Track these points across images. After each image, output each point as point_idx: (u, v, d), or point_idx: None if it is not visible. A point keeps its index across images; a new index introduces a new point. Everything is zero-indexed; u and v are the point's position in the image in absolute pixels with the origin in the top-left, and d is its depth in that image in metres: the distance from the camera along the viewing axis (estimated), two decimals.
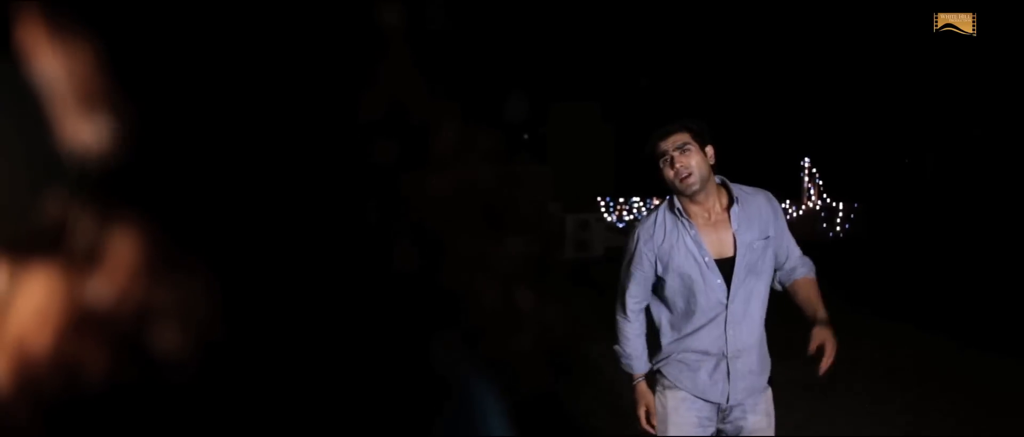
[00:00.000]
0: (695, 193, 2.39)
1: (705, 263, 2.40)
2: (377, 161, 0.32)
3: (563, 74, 16.79)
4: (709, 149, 2.42)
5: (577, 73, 17.12)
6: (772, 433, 2.52)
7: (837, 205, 17.33)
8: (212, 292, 0.28)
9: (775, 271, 2.54)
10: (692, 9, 17.03)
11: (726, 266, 2.41)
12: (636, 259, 2.50)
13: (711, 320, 2.43)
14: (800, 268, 2.55)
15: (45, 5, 0.26)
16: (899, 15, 14.75)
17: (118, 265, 0.27)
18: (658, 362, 2.56)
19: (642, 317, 2.58)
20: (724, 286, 2.40)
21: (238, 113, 0.29)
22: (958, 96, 16.46)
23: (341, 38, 0.31)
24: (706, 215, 2.44)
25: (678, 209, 2.42)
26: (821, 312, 2.47)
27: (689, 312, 2.44)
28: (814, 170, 19.07)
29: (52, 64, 0.26)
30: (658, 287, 2.50)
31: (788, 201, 18.64)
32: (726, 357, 2.43)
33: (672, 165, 2.37)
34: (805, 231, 17.37)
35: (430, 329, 0.33)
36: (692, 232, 2.40)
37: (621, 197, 15.15)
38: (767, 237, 2.44)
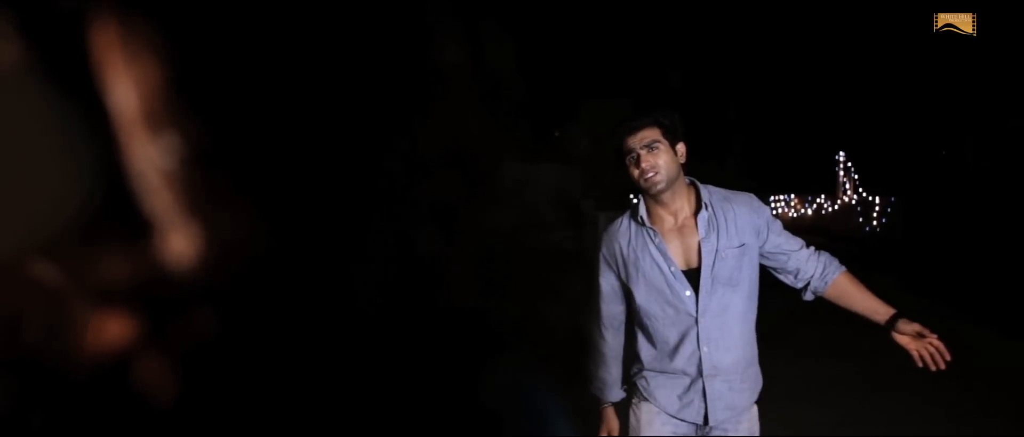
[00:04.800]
0: (660, 193, 2.27)
1: (671, 273, 2.27)
2: (440, 193, 0.34)
3: (594, 71, 16.73)
4: (680, 146, 2.28)
5: (608, 70, 17.05)
6: None
7: (873, 199, 17.04)
8: (270, 314, 0.30)
9: (791, 276, 2.41)
10: (723, 6, 16.89)
11: (695, 277, 2.26)
12: (600, 268, 2.40)
13: (684, 336, 2.29)
14: (829, 266, 2.38)
15: (120, 30, 0.29)
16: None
17: (180, 261, 0.29)
18: (635, 375, 2.44)
19: (619, 337, 2.45)
20: (693, 298, 2.26)
21: (306, 147, 0.31)
22: (996, 88, 16.13)
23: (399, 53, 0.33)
24: (672, 219, 2.31)
25: (642, 216, 2.31)
26: (884, 306, 2.38)
27: (663, 327, 2.31)
28: (850, 164, 18.75)
29: (125, 86, 0.28)
30: (631, 299, 2.37)
31: (823, 195, 18.35)
32: (701, 377, 2.29)
33: (638, 164, 2.24)
34: (840, 226, 17.15)
35: (489, 354, 0.34)
36: (656, 240, 2.29)
37: None
38: (742, 244, 2.28)
